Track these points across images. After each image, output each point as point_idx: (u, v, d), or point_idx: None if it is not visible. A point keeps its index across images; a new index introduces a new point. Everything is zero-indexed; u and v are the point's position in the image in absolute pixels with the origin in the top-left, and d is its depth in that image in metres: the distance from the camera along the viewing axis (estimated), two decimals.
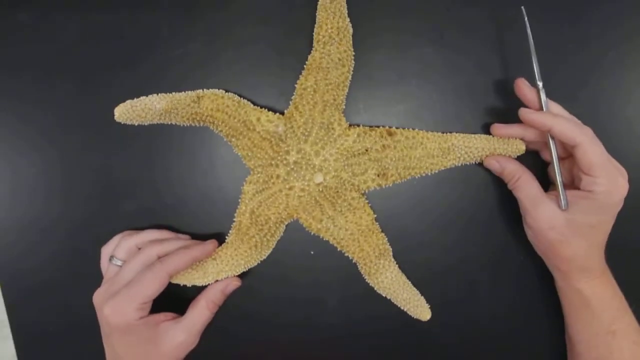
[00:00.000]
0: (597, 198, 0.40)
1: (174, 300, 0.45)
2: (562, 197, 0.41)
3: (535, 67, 0.43)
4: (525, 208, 0.43)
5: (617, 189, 0.40)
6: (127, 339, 0.42)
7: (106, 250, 0.46)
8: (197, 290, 0.46)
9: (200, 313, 0.44)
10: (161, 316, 0.44)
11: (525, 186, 0.43)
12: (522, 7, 0.43)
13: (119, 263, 0.44)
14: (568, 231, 0.41)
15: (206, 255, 0.45)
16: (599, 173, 0.40)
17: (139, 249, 0.45)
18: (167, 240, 0.45)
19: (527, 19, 0.43)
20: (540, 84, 0.42)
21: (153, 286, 0.42)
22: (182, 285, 0.45)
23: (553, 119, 0.41)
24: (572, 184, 0.44)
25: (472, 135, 0.45)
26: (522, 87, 0.43)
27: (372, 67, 0.47)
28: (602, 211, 0.41)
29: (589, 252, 0.42)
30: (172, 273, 0.43)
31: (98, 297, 0.43)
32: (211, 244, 0.45)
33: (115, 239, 0.46)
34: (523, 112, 0.42)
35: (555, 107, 0.43)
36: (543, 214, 0.42)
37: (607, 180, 0.40)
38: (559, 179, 0.42)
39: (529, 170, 0.44)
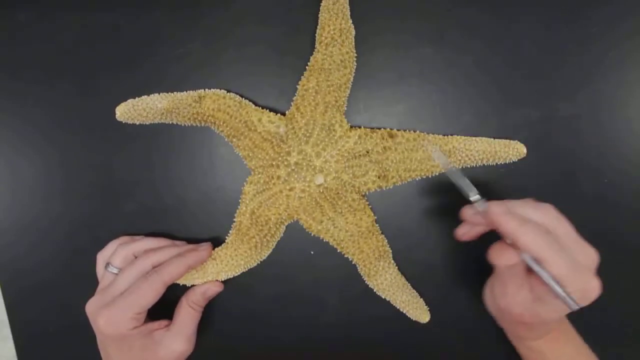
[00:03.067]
0: (569, 303, 0.37)
1: (165, 303, 0.45)
2: (567, 298, 0.36)
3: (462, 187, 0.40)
4: (506, 292, 0.39)
5: (589, 293, 0.37)
6: (121, 348, 0.42)
7: (102, 257, 0.46)
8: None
9: (186, 314, 0.44)
10: (155, 325, 0.44)
11: (518, 273, 0.39)
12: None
13: (115, 271, 0.44)
14: (534, 319, 0.39)
15: (201, 261, 0.45)
16: (570, 285, 0.36)
17: (135, 257, 0.45)
18: (162, 248, 0.45)
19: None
20: (475, 197, 0.39)
21: (148, 296, 0.42)
22: (181, 285, 0.45)
23: (520, 229, 0.36)
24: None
25: (473, 138, 0.45)
26: (466, 213, 0.40)
27: (373, 67, 0.46)
28: (571, 309, 0.39)
29: (546, 327, 0.42)
30: (168, 282, 0.43)
31: (91, 306, 0.43)
32: (205, 250, 0.45)
33: (112, 245, 0.46)
34: (490, 213, 0.37)
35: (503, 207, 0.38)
36: (518, 304, 0.39)
37: (579, 289, 0.36)
38: (556, 288, 0.37)
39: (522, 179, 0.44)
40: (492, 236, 0.48)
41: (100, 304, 0.42)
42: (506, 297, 0.39)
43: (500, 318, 0.43)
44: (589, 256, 0.38)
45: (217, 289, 0.46)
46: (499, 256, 0.38)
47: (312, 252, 0.48)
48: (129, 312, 0.41)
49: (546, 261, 0.36)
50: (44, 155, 0.48)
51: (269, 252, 0.47)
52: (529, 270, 0.39)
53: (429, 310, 0.47)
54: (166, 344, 0.43)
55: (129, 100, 0.44)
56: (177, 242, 0.47)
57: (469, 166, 0.45)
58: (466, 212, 0.40)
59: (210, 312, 0.49)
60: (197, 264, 0.45)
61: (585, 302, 0.37)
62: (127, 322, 0.41)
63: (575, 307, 0.36)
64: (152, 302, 0.42)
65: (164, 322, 0.44)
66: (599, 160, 0.47)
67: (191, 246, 0.46)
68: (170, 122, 0.46)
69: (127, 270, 0.43)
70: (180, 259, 0.43)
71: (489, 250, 0.39)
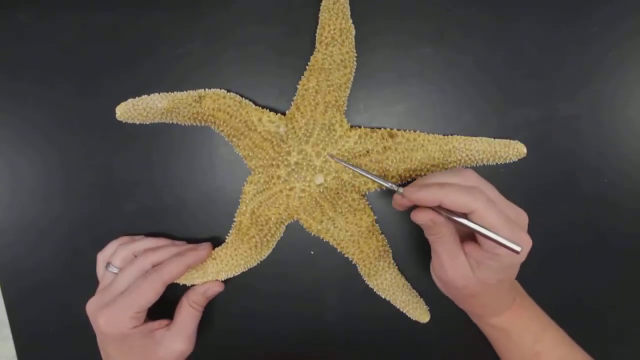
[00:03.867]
0: (503, 260, 0.38)
1: (165, 302, 0.45)
2: (508, 245, 0.36)
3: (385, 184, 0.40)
4: (442, 263, 0.40)
5: (523, 246, 0.37)
6: (122, 347, 0.42)
7: (102, 257, 0.46)
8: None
9: (187, 313, 0.45)
10: (155, 324, 0.44)
11: (448, 241, 0.39)
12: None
13: (115, 271, 0.44)
14: (479, 288, 0.40)
15: (200, 261, 0.45)
16: (502, 234, 0.36)
17: (135, 257, 0.45)
18: (162, 247, 0.45)
19: None
20: (396, 188, 0.39)
21: (148, 295, 0.42)
22: (181, 284, 0.45)
23: (441, 191, 0.36)
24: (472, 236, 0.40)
25: (473, 138, 0.45)
26: (398, 200, 0.40)
27: (373, 67, 0.46)
28: (509, 268, 0.40)
29: (499, 298, 0.42)
30: (168, 281, 0.43)
31: (92, 306, 0.43)
32: (205, 249, 0.45)
33: (112, 245, 0.46)
34: (407, 193, 0.37)
35: (437, 176, 0.39)
36: (458, 273, 0.39)
37: (512, 239, 0.36)
38: (492, 235, 0.37)
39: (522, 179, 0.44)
40: None
41: (100, 303, 0.42)
42: (445, 270, 0.40)
43: (454, 297, 0.43)
44: (520, 215, 0.39)
45: (217, 288, 0.46)
46: (416, 214, 0.38)
47: (312, 252, 0.48)
48: (128, 311, 0.41)
49: (477, 211, 0.36)
50: (44, 155, 0.48)
51: (269, 251, 0.47)
52: (463, 240, 0.40)
53: (429, 310, 0.47)
54: (166, 344, 0.43)
55: (129, 100, 0.44)
56: (177, 242, 0.47)
57: (469, 166, 0.45)
58: (396, 200, 0.40)
59: (211, 311, 0.49)
60: (197, 263, 0.45)
61: (517, 256, 0.37)
62: (127, 321, 0.41)
63: (518, 253, 0.36)
64: (151, 301, 0.42)
65: (164, 322, 0.44)
66: (599, 160, 0.47)
67: (191, 246, 0.46)
68: (170, 122, 0.46)
69: (127, 269, 0.43)
70: (180, 258, 0.43)
71: (411, 213, 0.39)
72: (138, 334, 0.42)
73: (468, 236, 0.40)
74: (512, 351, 0.44)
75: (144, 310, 0.42)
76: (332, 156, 0.43)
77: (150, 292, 0.42)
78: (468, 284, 0.40)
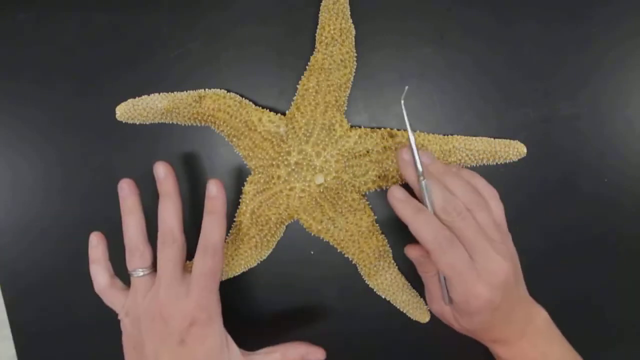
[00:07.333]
0: (458, 308, 0.38)
1: None
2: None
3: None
4: (428, 287, 0.40)
5: (472, 298, 0.36)
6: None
7: (104, 274, 0.42)
8: None
9: None
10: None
11: (436, 278, 0.40)
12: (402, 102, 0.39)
13: (142, 273, 0.40)
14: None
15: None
16: (453, 283, 0.36)
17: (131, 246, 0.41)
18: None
19: None
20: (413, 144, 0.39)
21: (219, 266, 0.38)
22: None
23: (413, 217, 0.36)
24: None
25: (474, 138, 0.45)
26: (402, 154, 0.40)
27: (373, 67, 0.47)
28: (477, 316, 0.37)
29: (505, 321, 0.39)
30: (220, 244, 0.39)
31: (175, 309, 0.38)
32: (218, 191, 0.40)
33: (97, 264, 0.42)
34: (390, 194, 0.38)
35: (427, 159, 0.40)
36: (444, 303, 0.40)
37: (462, 290, 0.36)
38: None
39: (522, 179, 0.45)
40: None
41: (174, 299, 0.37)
42: (433, 303, 0.41)
43: (472, 335, 0.42)
44: (495, 263, 0.36)
45: (320, 356, 0.42)
46: (408, 248, 0.40)
47: (312, 252, 0.48)
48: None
49: (432, 253, 0.36)
50: (44, 155, 0.48)
51: (269, 251, 0.47)
52: None
53: (429, 310, 0.47)
54: None
55: (129, 100, 0.44)
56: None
57: (469, 166, 0.45)
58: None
59: None
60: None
61: (469, 307, 0.36)
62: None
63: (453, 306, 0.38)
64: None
65: None
66: (599, 160, 0.47)
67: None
68: (170, 122, 0.46)
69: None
70: (210, 219, 0.39)
71: (405, 249, 0.41)
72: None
73: None
74: None
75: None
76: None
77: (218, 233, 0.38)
78: (453, 323, 0.41)
